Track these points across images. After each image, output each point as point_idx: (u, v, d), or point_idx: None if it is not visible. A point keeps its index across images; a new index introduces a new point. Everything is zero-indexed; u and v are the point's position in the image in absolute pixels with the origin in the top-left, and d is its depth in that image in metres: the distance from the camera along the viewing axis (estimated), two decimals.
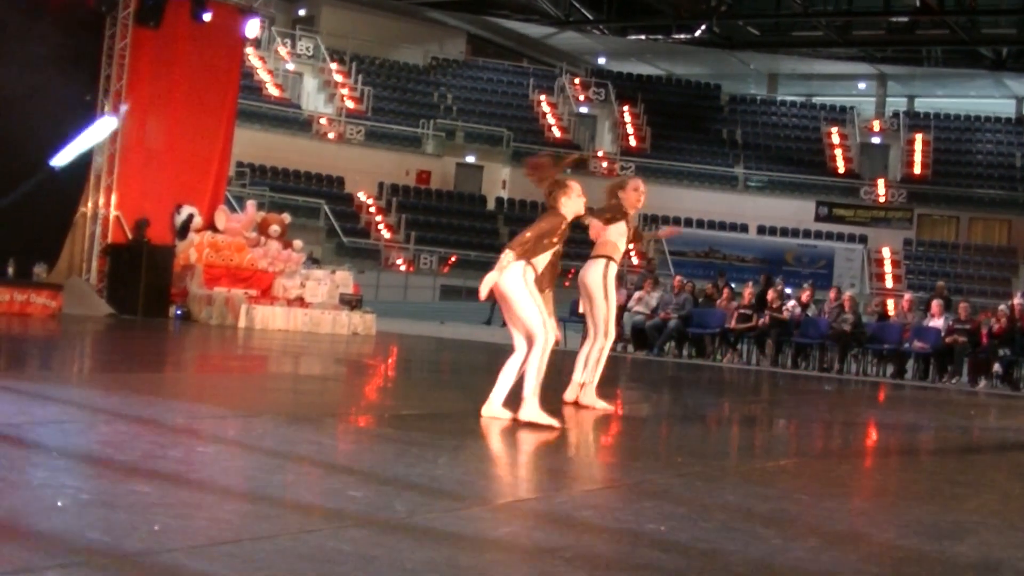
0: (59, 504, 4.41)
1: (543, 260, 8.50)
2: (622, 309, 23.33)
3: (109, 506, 4.50)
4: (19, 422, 6.64)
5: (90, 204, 22.50)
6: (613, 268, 10.19)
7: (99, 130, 22.05)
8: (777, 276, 29.24)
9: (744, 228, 49.07)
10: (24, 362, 12.35)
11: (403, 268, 42.99)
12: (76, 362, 13.21)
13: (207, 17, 22.88)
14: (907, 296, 24.60)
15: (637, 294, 24.37)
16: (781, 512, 5.66)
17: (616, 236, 10.18)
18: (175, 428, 7.11)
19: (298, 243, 24.70)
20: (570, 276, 37.67)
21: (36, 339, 15.20)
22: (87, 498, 4.62)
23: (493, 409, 8.36)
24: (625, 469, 7.33)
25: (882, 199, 50.51)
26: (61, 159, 21.30)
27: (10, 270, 19.77)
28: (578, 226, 9.43)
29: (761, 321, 22.65)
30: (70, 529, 4.00)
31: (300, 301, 22.72)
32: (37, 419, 6.87)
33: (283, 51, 48.01)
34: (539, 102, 52.45)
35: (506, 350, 8.56)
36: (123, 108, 22.27)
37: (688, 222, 47.60)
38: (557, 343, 8.81)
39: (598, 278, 10.09)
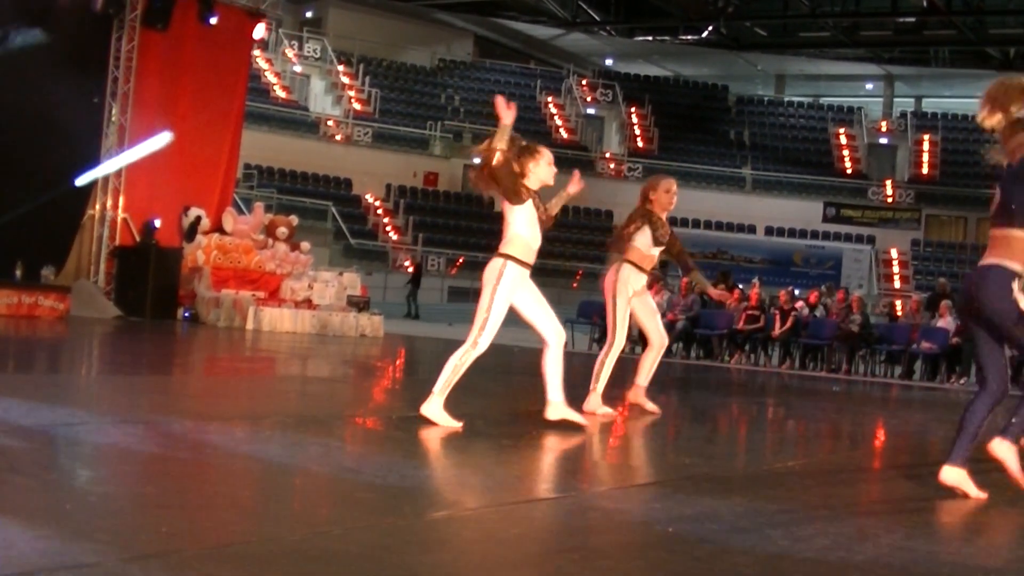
0: (67, 507, 4.42)
1: (531, 247, 8.18)
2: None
3: (117, 508, 4.51)
4: (27, 424, 6.64)
5: (98, 206, 22.53)
6: (628, 270, 9.97)
7: (152, 144, 22.11)
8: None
9: (752, 229, 49.03)
10: (32, 364, 12.37)
11: (411, 270, 42.99)
12: (84, 364, 13.22)
13: (214, 20, 22.90)
14: (915, 297, 24.56)
15: None
16: (789, 513, 5.66)
17: (642, 242, 9.98)
18: (183, 430, 7.12)
19: (306, 245, 24.74)
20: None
21: (44, 341, 15.23)
22: (95, 500, 4.63)
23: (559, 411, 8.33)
24: (633, 470, 7.34)
25: (890, 200, 50.45)
26: (91, 175, 21.73)
27: (18, 272, 19.81)
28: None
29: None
30: (78, 531, 4.01)
31: (308, 303, 22.74)
32: (45, 421, 6.88)
33: (290, 53, 48.06)
34: (546, 103, 52.45)
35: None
36: (167, 134, 22.31)
37: (696, 223, 47.56)
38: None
39: (610, 281, 9.98)
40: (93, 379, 11.32)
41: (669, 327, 23.31)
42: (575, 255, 44.84)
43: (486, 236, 45.28)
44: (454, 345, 8.12)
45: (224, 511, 4.75)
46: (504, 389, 12.11)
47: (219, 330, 20.90)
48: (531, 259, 8.13)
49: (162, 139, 22.18)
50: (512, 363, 15.41)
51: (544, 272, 41.98)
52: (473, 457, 6.95)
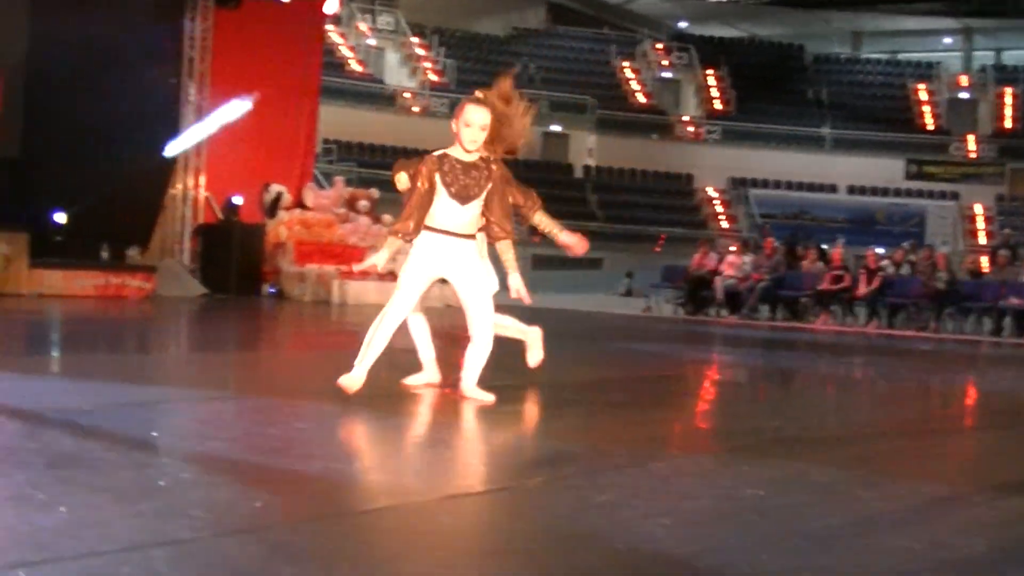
0: (161, 483, 4.47)
1: None
2: (714, 273, 23.52)
3: (210, 484, 4.55)
4: (119, 403, 6.72)
5: (180, 185, 22.74)
6: None
7: (229, 112, 22.28)
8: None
9: (833, 189, 48.58)
10: (122, 345, 12.51)
11: None
12: (173, 343, 13.36)
13: None
14: (1002, 253, 24.17)
15: (730, 258, 24.30)
16: (880, 475, 5.60)
17: None
18: (272, 406, 7.17)
19: (387, 217, 24.78)
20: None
21: (132, 321, 15.40)
22: (188, 477, 4.67)
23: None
24: (720, 436, 7.29)
25: (972, 155, 49.74)
26: (180, 144, 21.97)
27: (104, 254, 20.05)
28: None
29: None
30: (172, 508, 4.04)
31: (392, 275, 22.78)
32: (136, 400, 6.95)
33: (363, 27, 48.14)
34: (622, 69, 52.18)
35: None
36: (253, 96, 22.40)
37: (776, 184, 47.29)
38: None
39: None
40: (182, 357, 11.43)
41: (754, 287, 23.31)
42: (656, 220, 44.61)
43: (567, 203, 45.13)
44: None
45: (316, 485, 4.77)
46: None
47: (305, 305, 21.03)
48: None
49: (243, 106, 22.29)
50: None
51: (627, 238, 41.91)
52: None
